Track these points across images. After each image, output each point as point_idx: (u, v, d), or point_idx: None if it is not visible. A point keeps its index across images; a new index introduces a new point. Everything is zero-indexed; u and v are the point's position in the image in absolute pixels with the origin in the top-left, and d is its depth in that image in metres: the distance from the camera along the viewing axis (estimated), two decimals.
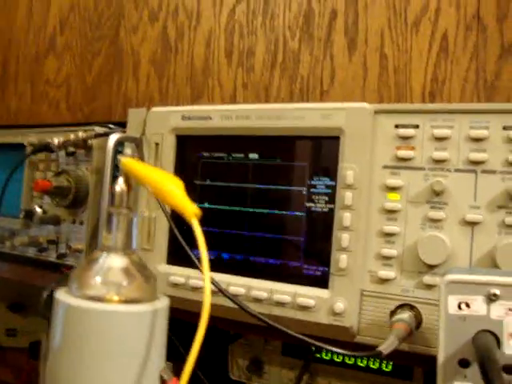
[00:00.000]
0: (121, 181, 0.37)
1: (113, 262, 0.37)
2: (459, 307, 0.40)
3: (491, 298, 0.39)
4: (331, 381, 0.72)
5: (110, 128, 0.73)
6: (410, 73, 0.65)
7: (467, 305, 0.40)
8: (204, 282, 0.35)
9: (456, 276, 0.41)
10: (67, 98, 0.86)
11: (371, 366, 0.70)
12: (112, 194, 0.37)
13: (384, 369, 0.69)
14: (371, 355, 0.44)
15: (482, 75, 0.62)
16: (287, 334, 0.47)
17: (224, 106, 0.61)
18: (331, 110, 0.54)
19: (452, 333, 0.41)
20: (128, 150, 0.38)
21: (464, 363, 0.40)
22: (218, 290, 0.52)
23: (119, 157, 0.38)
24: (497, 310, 0.39)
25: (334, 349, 0.45)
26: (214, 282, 0.52)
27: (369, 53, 0.67)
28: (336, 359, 0.72)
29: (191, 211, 0.35)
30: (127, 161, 0.37)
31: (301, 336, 0.47)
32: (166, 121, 0.63)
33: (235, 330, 0.67)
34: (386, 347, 0.43)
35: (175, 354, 0.77)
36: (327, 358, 0.72)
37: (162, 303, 0.39)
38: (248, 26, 0.73)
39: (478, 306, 0.40)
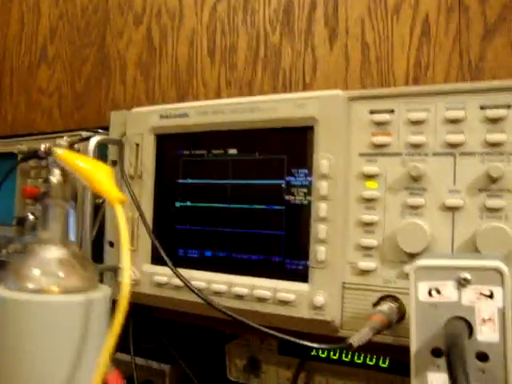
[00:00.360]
0: (56, 173, 0.37)
1: (49, 254, 0.37)
2: (430, 294, 0.39)
3: (462, 283, 0.38)
4: (328, 378, 0.70)
5: (97, 132, 0.73)
6: (392, 60, 0.63)
7: (438, 291, 0.38)
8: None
9: (425, 262, 0.39)
10: (59, 106, 0.87)
11: (368, 362, 0.68)
12: (48, 185, 0.37)
13: (381, 365, 0.67)
14: (340, 347, 0.42)
15: (465, 58, 0.60)
16: (252, 327, 0.46)
17: (199, 102, 0.60)
18: (304, 99, 0.53)
19: (424, 321, 0.39)
20: (62, 142, 0.38)
21: (437, 352, 0.38)
22: (185, 285, 0.51)
23: (54, 148, 0.38)
24: (468, 296, 0.37)
25: (301, 341, 0.43)
26: (178, 275, 0.51)
27: (350, 42, 0.65)
28: (332, 357, 0.70)
29: (115, 197, 0.34)
30: (60, 152, 0.36)
31: (265, 329, 0.45)
32: (145, 121, 0.63)
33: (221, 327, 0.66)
34: (356, 339, 0.41)
35: (168, 357, 0.77)
36: (323, 355, 0.71)
37: (100, 293, 0.39)
38: (229, 23, 0.73)
39: (449, 291, 0.38)
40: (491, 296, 0.37)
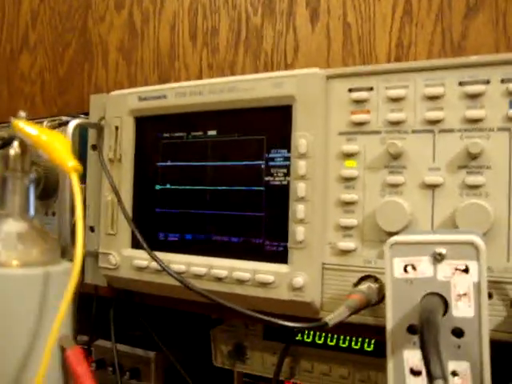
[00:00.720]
0: (15, 144, 0.36)
1: (8, 227, 0.36)
2: (405, 270, 0.38)
3: (437, 258, 0.37)
4: (314, 363, 0.70)
5: (79, 117, 0.72)
6: (374, 40, 0.62)
7: (413, 267, 0.38)
8: None
9: (400, 237, 0.39)
10: (42, 92, 0.85)
11: (353, 346, 0.68)
12: (6, 157, 0.36)
13: (366, 348, 0.67)
14: (315, 326, 0.41)
15: (448, 36, 0.59)
16: (227, 307, 0.46)
17: (177, 84, 0.59)
18: (282, 77, 0.52)
19: (399, 298, 0.38)
20: (22, 114, 0.37)
21: (413, 329, 0.38)
22: (162, 269, 0.50)
23: (13, 120, 0.37)
24: (443, 271, 0.37)
25: (273, 320, 0.43)
26: (155, 258, 0.50)
27: (332, 23, 0.64)
28: (318, 341, 0.70)
29: (70, 166, 0.33)
30: (17, 122, 0.35)
31: (239, 308, 0.45)
32: (124, 103, 0.61)
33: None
34: (332, 317, 0.41)
35: (154, 344, 0.76)
36: (309, 340, 0.70)
37: (60, 267, 0.38)
38: (211, 5, 0.71)
39: (425, 267, 0.37)
40: (466, 271, 0.36)
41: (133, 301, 0.68)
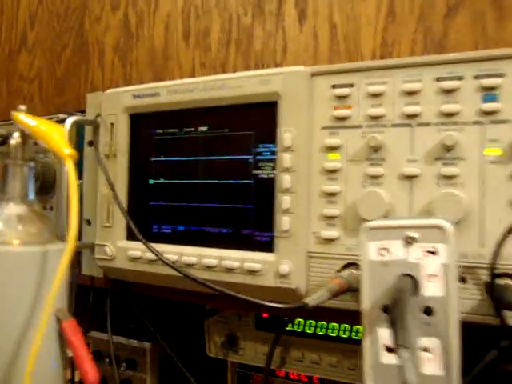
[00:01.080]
0: (16, 135, 0.39)
1: (10, 210, 0.39)
2: (380, 254, 0.41)
3: (408, 241, 0.39)
4: (304, 352, 0.72)
5: (76, 115, 0.75)
6: (359, 39, 0.65)
7: (387, 250, 0.40)
8: None
9: (374, 223, 0.41)
10: (40, 92, 0.88)
11: (341, 335, 0.70)
12: (8, 146, 0.39)
13: (354, 337, 0.69)
14: (295, 307, 0.44)
15: (429, 35, 0.62)
16: (212, 287, 0.48)
17: (170, 82, 0.62)
18: (268, 75, 0.54)
19: (374, 279, 0.41)
20: (22, 107, 0.40)
21: (386, 309, 0.40)
22: (156, 256, 0.53)
23: (13, 112, 0.40)
24: (415, 253, 0.39)
25: (253, 299, 0.45)
26: (150, 249, 0.53)
27: (318, 23, 0.67)
28: (307, 331, 0.72)
29: (67, 153, 0.36)
30: (17, 114, 0.38)
31: (219, 287, 0.47)
32: (119, 101, 0.64)
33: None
34: (312, 299, 0.43)
35: (149, 335, 0.79)
36: (299, 330, 0.73)
37: (56, 246, 0.42)
38: (203, 6, 0.74)
39: (397, 250, 0.40)
40: (435, 253, 0.39)
41: (128, 291, 0.70)
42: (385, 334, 0.40)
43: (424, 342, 0.38)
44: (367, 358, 0.40)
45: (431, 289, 0.39)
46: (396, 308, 0.35)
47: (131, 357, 0.81)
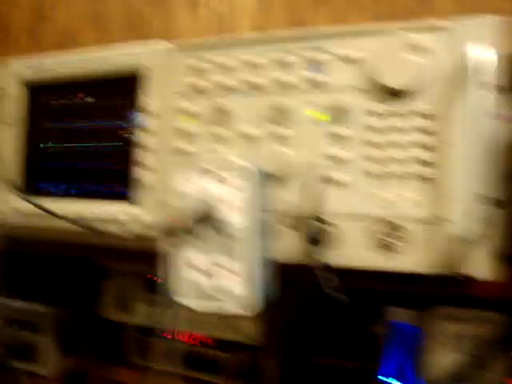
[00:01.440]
0: None
1: None
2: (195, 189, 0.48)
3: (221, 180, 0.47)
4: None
5: None
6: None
7: (203, 188, 0.48)
8: None
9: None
10: None
11: None
12: None
13: None
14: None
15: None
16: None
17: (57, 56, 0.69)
18: (133, 49, 0.63)
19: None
20: None
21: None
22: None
23: None
24: (224, 189, 0.47)
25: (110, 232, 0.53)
26: (31, 202, 0.60)
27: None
28: None
29: None
30: None
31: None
32: (8, 71, 0.71)
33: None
34: None
35: (47, 298, 0.82)
36: None
37: None
38: None
39: (211, 186, 0.48)
40: (242, 189, 0.47)
41: (23, 251, 0.75)
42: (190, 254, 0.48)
43: (220, 259, 0.46)
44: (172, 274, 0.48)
45: (236, 219, 0.46)
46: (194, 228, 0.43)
47: (28, 319, 0.82)
